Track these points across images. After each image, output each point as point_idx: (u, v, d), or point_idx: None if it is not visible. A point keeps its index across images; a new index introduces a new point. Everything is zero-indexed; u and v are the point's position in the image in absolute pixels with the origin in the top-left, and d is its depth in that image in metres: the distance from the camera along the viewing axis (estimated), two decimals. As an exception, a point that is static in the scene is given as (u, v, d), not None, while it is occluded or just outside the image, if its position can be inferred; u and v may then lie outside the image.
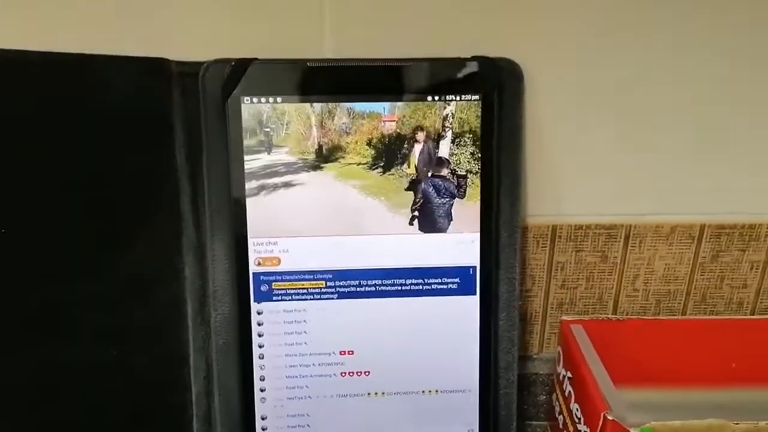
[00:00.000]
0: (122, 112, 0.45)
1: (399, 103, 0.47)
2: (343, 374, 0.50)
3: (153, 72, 0.45)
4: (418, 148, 0.48)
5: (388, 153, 0.48)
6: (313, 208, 0.48)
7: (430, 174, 0.48)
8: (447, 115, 0.48)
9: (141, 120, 0.45)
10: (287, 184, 0.47)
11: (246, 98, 0.46)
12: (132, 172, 0.45)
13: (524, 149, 0.51)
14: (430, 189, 0.49)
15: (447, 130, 0.48)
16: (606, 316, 0.57)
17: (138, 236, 0.46)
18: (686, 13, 0.49)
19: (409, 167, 0.48)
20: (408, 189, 0.49)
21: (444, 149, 0.48)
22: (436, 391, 0.51)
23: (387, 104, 0.47)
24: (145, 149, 0.46)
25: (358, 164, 0.48)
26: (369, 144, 0.48)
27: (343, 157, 0.48)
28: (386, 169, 0.48)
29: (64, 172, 0.43)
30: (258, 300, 0.48)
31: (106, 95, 0.44)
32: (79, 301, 0.44)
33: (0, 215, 0.41)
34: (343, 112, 0.47)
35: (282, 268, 0.48)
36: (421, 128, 0.48)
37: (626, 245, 0.56)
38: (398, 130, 0.48)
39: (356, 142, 0.47)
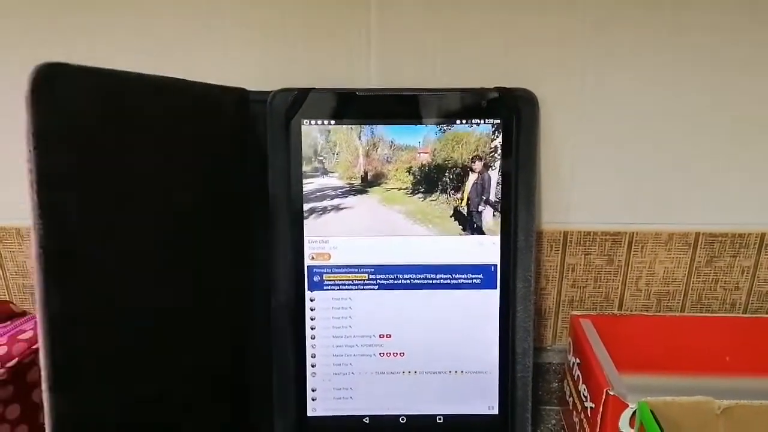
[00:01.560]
0: (223, 133, 0.53)
1: (432, 137, 0.56)
2: (382, 354, 0.58)
3: (239, 99, 0.55)
4: (473, 177, 0.57)
5: (428, 180, 0.57)
6: (359, 223, 0.57)
7: (481, 200, 0.57)
8: (496, 146, 0.56)
9: (234, 141, 0.54)
10: (336, 208, 0.56)
11: (305, 120, 0.56)
12: (224, 184, 0.53)
13: (539, 165, 0.59)
14: (474, 212, 0.57)
15: (497, 159, 0.56)
16: (612, 312, 0.65)
17: (226, 239, 0.54)
18: (681, 33, 0.57)
19: (462, 195, 0.57)
20: (453, 216, 0.57)
21: (495, 177, 0.56)
22: (461, 371, 0.59)
23: (421, 138, 0.56)
24: (233, 165, 0.55)
25: (399, 189, 0.57)
26: (408, 171, 0.57)
27: (386, 183, 0.57)
28: (426, 194, 0.57)
29: (193, 183, 0.49)
30: (311, 289, 0.57)
31: (216, 118, 0.52)
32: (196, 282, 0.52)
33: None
34: (385, 144, 0.56)
35: (332, 262, 0.57)
36: (479, 158, 0.56)
37: (630, 250, 0.64)
38: (432, 160, 0.57)
39: (396, 170, 0.57)
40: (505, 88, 0.56)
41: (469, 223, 0.57)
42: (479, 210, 0.57)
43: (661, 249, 0.63)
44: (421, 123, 0.56)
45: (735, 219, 0.62)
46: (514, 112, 0.56)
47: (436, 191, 0.57)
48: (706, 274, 0.64)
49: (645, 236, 0.63)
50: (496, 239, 0.58)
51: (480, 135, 0.56)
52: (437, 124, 0.56)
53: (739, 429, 0.51)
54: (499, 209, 0.57)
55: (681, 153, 0.60)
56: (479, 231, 0.57)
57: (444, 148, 0.56)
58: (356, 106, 0.56)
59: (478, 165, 0.56)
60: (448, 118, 0.56)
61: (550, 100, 0.58)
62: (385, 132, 0.56)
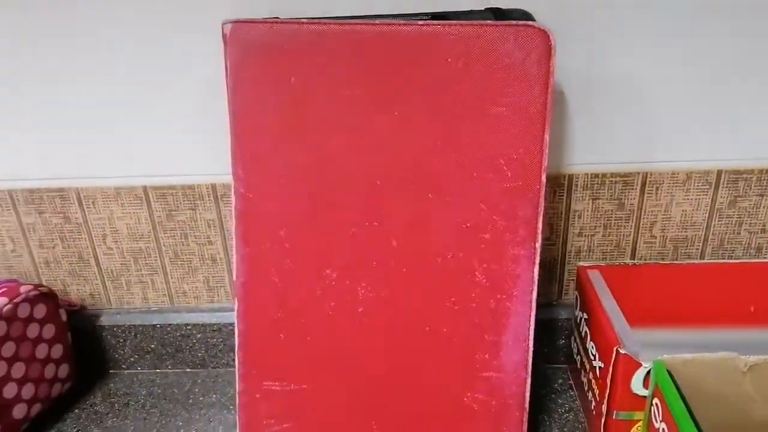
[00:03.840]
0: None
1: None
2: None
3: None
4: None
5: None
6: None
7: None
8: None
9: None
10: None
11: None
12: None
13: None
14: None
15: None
16: (623, 262, 0.59)
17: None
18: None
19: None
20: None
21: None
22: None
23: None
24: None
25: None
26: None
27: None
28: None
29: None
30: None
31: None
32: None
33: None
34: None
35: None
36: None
37: (643, 193, 0.57)
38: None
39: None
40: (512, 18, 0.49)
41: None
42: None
43: (678, 190, 0.57)
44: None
45: (762, 153, 0.55)
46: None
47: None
48: (729, 216, 0.58)
49: (660, 176, 0.56)
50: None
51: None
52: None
53: (768, 387, 0.45)
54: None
55: (700, 81, 0.53)
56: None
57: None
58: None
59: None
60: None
61: (555, 29, 0.51)
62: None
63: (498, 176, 0.48)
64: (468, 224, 0.48)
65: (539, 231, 0.48)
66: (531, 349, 0.51)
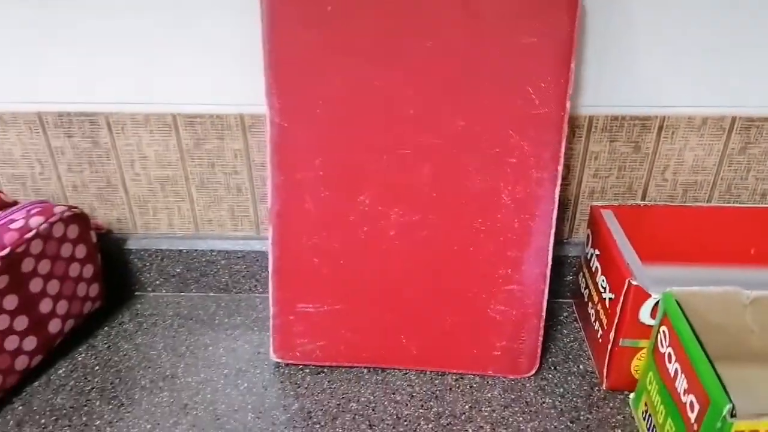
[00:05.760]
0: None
1: None
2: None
3: None
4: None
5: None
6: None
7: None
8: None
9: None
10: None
11: None
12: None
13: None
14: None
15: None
16: (635, 202, 0.61)
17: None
18: None
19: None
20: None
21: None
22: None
23: None
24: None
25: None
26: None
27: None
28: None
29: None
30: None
31: None
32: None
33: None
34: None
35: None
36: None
37: (659, 136, 0.59)
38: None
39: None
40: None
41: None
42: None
43: (693, 135, 0.59)
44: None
45: (776, 102, 0.57)
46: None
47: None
48: (738, 162, 0.60)
49: (677, 121, 0.58)
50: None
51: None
52: None
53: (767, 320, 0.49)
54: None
55: (719, 27, 0.54)
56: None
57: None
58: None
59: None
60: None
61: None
62: None
63: (526, 103, 0.50)
64: (496, 150, 0.50)
65: (562, 155, 0.51)
66: (550, 262, 0.54)
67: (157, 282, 0.67)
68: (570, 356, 0.60)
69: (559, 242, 0.65)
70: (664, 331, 0.48)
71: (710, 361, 0.41)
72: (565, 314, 0.65)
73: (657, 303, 0.49)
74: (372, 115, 0.50)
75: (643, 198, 0.63)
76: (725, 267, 0.59)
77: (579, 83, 0.57)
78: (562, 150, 0.51)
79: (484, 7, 0.48)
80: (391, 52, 0.49)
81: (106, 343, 0.61)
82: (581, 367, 0.58)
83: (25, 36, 0.56)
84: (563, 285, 0.66)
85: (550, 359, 0.59)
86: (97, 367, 0.58)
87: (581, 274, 0.63)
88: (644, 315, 0.51)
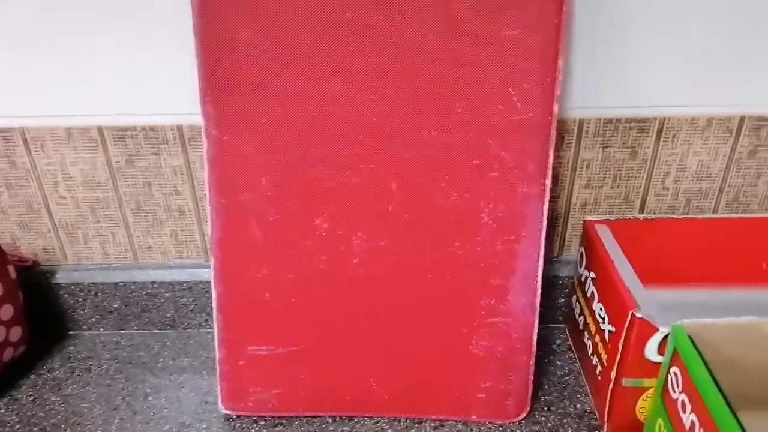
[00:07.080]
0: None
1: None
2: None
3: None
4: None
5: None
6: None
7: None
8: None
9: None
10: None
11: None
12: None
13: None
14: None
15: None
16: (633, 216, 0.54)
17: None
18: None
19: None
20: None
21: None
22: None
23: None
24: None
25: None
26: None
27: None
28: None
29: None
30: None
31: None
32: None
33: None
34: None
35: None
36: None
37: (658, 140, 0.52)
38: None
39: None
40: None
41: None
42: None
43: (696, 138, 0.52)
44: None
45: (789, 99, 0.51)
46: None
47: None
48: (747, 167, 0.54)
49: (678, 122, 0.51)
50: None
51: None
52: None
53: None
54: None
55: (723, 23, 0.47)
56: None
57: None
58: None
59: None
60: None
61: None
62: None
63: (507, 108, 0.42)
64: (474, 162, 0.43)
65: (549, 166, 0.43)
66: (539, 291, 0.47)
67: (93, 320, 0.59)
68: (565, 393, 0.52)
69: (549, 261, 0.58)
70: (675, 373, 0.40)
71: (734, 415, 0.34)
72: (557, 342, 0.58)
73: (665, 337, 0.42)
74: (329, 124, 0.42)
75: (642, 210, 0.56)
76: (734, 287, 0.52)
77: (567, 83, 0.49)
78: (550, 160, 0.44)
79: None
80: (349, 50, 0.41)
81: (31, 395, 0.53)
82: (578, 406, 0.51)
83: None
84: (554, 308, 0.59)
85: (542, 397, 0.52)
86: (18, 426, 0.50)
87: (575, 297, 0.56)
88: (650, 351, 0.44)
